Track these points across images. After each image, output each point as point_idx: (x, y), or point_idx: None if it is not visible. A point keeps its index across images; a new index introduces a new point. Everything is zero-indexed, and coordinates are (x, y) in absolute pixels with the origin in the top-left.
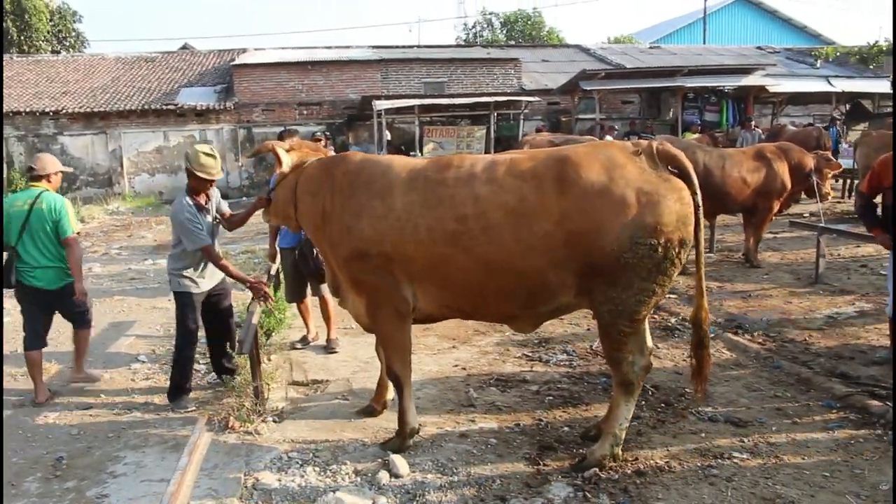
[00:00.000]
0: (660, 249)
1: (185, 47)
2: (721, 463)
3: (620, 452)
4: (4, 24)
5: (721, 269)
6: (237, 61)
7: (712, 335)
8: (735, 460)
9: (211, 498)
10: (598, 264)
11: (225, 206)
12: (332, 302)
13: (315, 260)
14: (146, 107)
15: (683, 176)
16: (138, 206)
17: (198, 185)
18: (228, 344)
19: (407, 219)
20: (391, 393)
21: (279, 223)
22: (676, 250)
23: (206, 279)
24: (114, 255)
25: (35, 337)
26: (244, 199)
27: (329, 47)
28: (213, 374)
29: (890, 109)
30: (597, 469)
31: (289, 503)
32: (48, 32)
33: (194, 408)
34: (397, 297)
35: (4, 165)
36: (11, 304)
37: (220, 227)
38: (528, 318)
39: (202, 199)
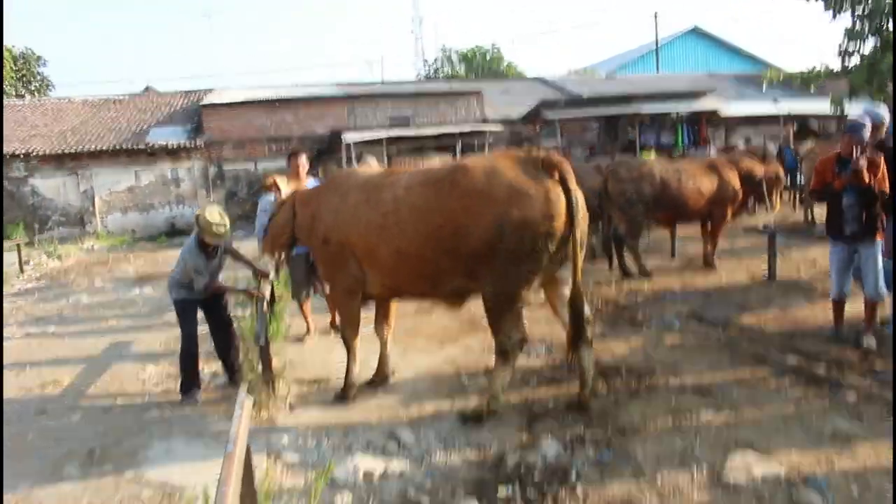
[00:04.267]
0: (526, 239)
1: (147, 89)
2: (689, 419)
3: (499, 407)
4: None
5: (683, 272)
6: (206, 101)
7: (677, 327)
8: (701, 417)
9: None
10: (477, 251)
11: (231, 244)
12: None
13: None
14: (117, 146)
15: (562, 180)
16: (112, 244)
17: (208, 244)
18: (233, 353)
19: (354, 214)
20: (392, 367)
21: (271, 252)
22: (542, 241)
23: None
24: (98, 288)
25: None
26: None
27: (295, 85)
28: (217, 379)
29: (834, 130)
30: (479, 419)
31: (311, 470)
32: (13, 77)
33: (200, 402)
34: (349, 277)
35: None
36: None
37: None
38: (440, 296)
39: (210, 248)
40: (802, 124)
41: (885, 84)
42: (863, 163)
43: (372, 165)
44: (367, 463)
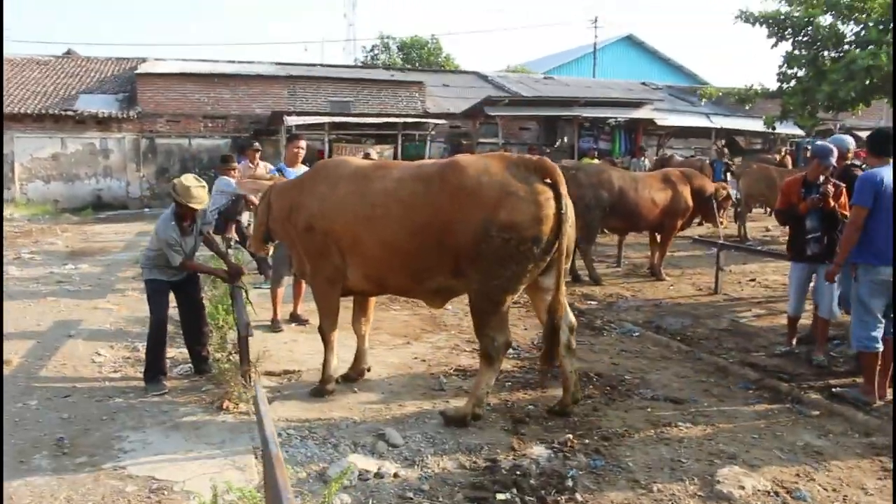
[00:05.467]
0: (513, 242)
1: (69, 52)
2: (670, 429)
3: (482, 412)
4: None
5: (630, 280)
6: (140, 70)
7: (636, 334)
8: (681, 428)
9: (232, 467)
10: (463, 250)
11: (209, 219)
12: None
13: None
14: (42, 111)
15: (552, 186)
16: (34, 213)
17: (184, 213)
18: (203, 340)
19: (342, 203)
20: (368, 363)
21: (258, 249)
22: (528, 245)
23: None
24: (27, 260)
25: None
26: (146, 209)
27: (233, 62)
28: (180, 367)
29: (759, 146)
30: (464, 421)
31: (301, 467)
32: None
33: (168, 391)
34: (331, 266)
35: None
36: None
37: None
38: (424, 294)
39: (187, 223)
40: (731, 140)
41: (817, 110)
42: (830, 188)
43: (372, 157)
44: (361, 462)
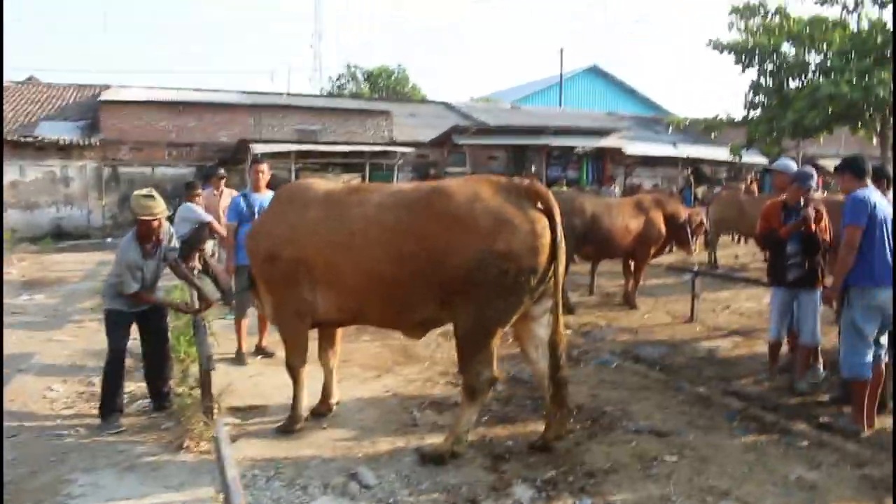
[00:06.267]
0: (510, 273)
1: (30, 78)
2: (657, 464)
3: (461, 450)
4: None
5: (603, 309)
6: (104, 97)
7: (614, 365)
8: (668, 462)
9: None
10: (453, 281)
11: (175, 244)
12: None
13: None
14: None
15: (547, 213)
16: None
17: (143, 230)
18: (166, 375)
19: (314, 230)
20: (336, 397)
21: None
22: (525, 276)
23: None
24: None
25: None
26: (108, 238)
27: (199, 89)
28: (138, 402)
29: (724, 175)
30: (441, 461)
31: None
32: None
33: (124, 428)
34: (298, 299)
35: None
36: None
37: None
38: (406, 325)
39: (150, 245)
40: (696, 168)
41: (782, 138)
42: (811, 212)
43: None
44: None
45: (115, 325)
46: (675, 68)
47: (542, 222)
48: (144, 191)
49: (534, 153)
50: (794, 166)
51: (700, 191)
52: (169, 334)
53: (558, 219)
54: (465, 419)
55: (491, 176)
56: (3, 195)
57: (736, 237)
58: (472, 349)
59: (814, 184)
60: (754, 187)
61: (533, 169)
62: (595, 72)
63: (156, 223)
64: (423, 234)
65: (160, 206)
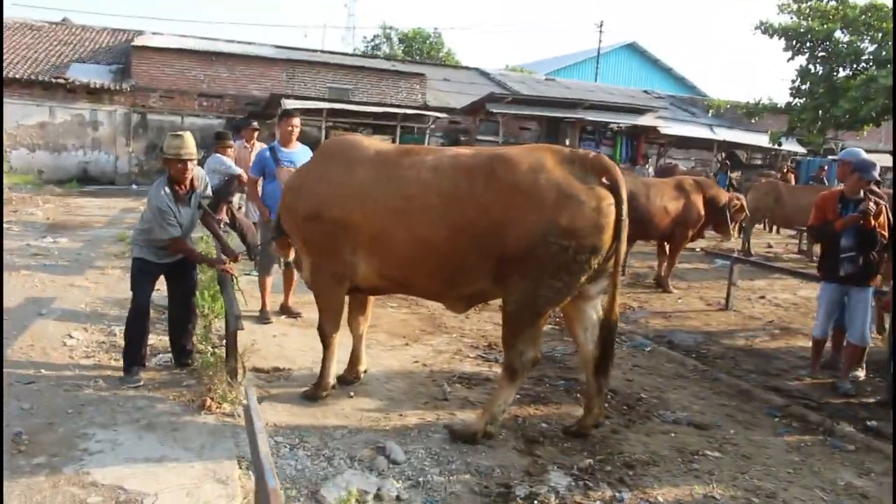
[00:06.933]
0: (570, 250)
1: (64, 20)
2: (699, 459)
3: (494, 431)
4: None
5: (635, 290)
6: (136, 42)
7: (648, 349)
8: (709, 458)
9: (212, 479)
10: (511, 255)
11: (209, 192)
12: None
13: None
14: (32, 77)
15: (612, 189)
16: (15, 182)
17: (174, 172)
18: (189, 331)
19: (362, 190)
20: (365, 365)
21: (286, 251)
22: (587, 255)
23: (170, 254)
24: (3, 230)
25: None
26: (134, 185)
27: (232, 41)
28: (159, 357)
29: (759, 161)
30: (473, 439)
31: (291, 483)
32: None
33: (143, 382)
34: (338, 262)
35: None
36: None
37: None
38: (453, 298)
39: (182, 189)
40: (731, 153)
41: (828, 127)
42: (871, 205)
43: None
44: (358, 481)
45: (142, 276)
46: (712, 49)
47: (608, 200)
48: (176, 133)
49: (567, 127)
50: (862, 154)
51: (735, 176)
52: (195, 288)
53: (625, 196)
54: (501, 398)
55: (553, 145)
56: (2, 142)
57: (769, 226)
58: (520, 327)
59: (876, 175)
60: (790, 176)
61: (567, 142)
62: (633, 49)
63: (184, 165)
64: (484, 203)
65: (189, 148)
